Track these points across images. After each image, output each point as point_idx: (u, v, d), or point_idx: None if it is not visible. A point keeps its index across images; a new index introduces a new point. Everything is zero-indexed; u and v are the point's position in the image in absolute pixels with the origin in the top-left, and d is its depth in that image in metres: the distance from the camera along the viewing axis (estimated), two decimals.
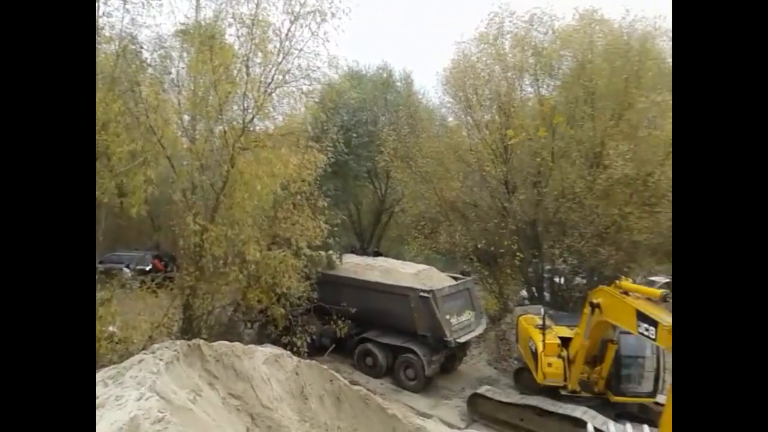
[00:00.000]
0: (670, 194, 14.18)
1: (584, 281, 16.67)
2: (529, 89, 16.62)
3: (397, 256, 19.55)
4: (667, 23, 15.34)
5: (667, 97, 13.72)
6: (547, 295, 17.14)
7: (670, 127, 14.10)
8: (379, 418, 7.99)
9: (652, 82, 14.58)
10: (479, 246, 15.98)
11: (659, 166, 14.18)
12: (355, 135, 17.37)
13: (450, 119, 20.15)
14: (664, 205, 14.22)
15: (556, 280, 17.30)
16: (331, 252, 14.42)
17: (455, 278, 14.55)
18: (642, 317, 7.72)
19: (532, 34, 16.09)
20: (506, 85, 16.04)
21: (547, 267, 17.05)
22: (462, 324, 13.41)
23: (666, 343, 7.06)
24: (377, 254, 20.81)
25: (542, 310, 12.21)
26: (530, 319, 12.80)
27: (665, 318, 7.23)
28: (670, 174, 14.16)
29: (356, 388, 8.35)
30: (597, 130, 14.80)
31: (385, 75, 23.28)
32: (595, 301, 9.77)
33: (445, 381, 13.80)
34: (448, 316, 12.99)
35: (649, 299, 9.02)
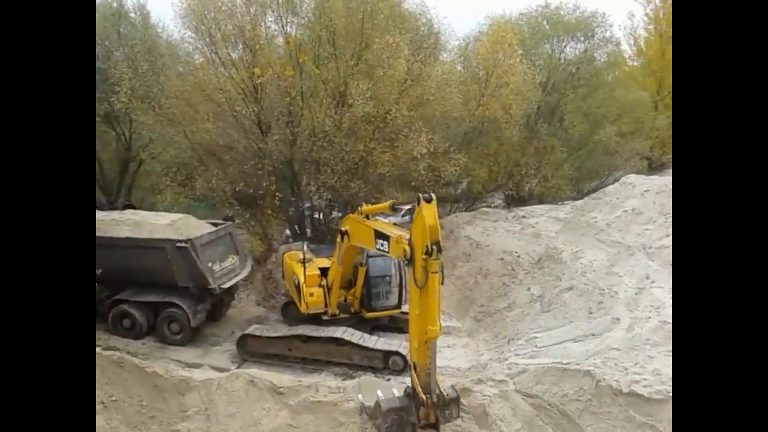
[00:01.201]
0: (406, 130, 15.91)
1: (340, 214, 17.92)
2: (274, 26, 16.36)
3: (152, 208, 18.00)
4: None
5: (398, 39, 15.02)
6: (309, 231, 17.96)
7: (401, 67, 15.59)
8: (138, 378, 7.57)
9: (385, 24, 15.71)
10: (238, 189, 15.68)
11: (395, 104, 15.62)
12: None
13: (197, 56, 18.75)
14: (401, 140, 15.88)
15: (316, 216, 18.21)
16: None
17: (215, 224, 14.12)
18: (378, 235, 8.68)
19: None
20: (250, 20, 15.49)
21: (307, 204, 17.75)
22: (226, 269, 13.23)
23: (395, 253, 8.03)
24: (128, 207, 18.80)
25: (303, 245, 12.79)
26: (294, 255, 13.31)
27: (395, 232, 8.27)
28: (404, 111, 15.80)
29: (108, 353, 7.71)
30: (340, 70, 15.49)
31: (115, 4, 20.29)
32: (343, 228, 10.63)
33: (214, 328, 13.65)
34: (210, 264, 12.65)
35: (387, 219, 10.23)
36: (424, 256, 6.83)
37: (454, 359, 11.90)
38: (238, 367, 11.45)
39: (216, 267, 12.86)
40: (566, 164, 22.20)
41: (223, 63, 15.92)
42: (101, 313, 12.73)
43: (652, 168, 27.57)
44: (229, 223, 14.32)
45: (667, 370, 8.28)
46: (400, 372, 11.17)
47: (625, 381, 8.16)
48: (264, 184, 15.30)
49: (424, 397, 7.34)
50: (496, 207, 20.82)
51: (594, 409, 8.12)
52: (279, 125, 16.36)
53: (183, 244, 12.09)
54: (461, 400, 8.00)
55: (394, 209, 9.14)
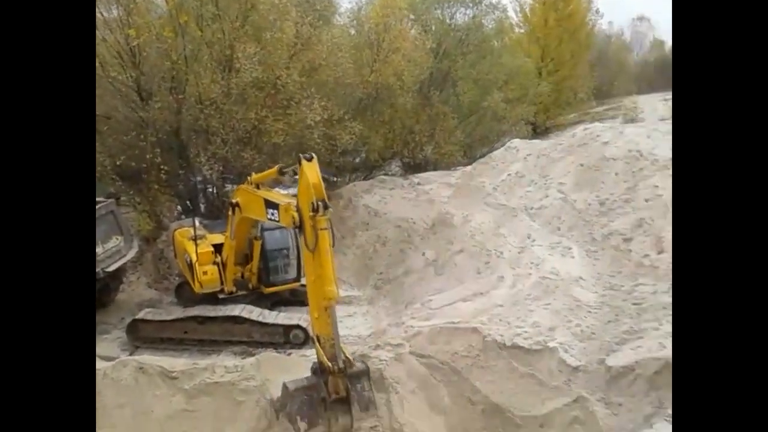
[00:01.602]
0: (298, 97, 15.54)
1: (234, 186, 17.38)
2: None
3: None
4: None
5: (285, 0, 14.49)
6: (202, 206, 17.19)
7: (290, 30, 15.10)
8: None
9: None
10: (119, 163, 14.53)
11: (285, 69, 15.15)
12: None
13: None
14: (294, 108, 15.50)
15: (210, 189, 17.44)
16: None
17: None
18: (268, 204, 8.49)
19: None
20: None
21: (199, 178, 16.92)
22: (109, 251, 12.35)
23: (285, 221, 7.86)
24: None
25: (194, 221, 12.23)
26: (185, 232, 12.68)
27: (284, 199, 8.12)
28: (295, 77, 15.39)
29: None
30: (225, 32, 14.68)
31: None
32: (234, 200, 10.30)
33: (103, 315, 12.77)
34: None
35: (288, 190, 10.04)
36: (311, 214, 6.81)
37: (355, 327, 12.18)
38: (130, 355, 10.90)
39: (98, 249, 11.96)
40: (458, 131, 22.97)
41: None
42: None
43: (537, 133, 29.41)
44: (110, 201, 13.29)
45: (545, 322, 9.11)
46: (301, 345, 11.24)
47: (508, 335, 8.85)
48: (147, 157, 14.28)
49: (330, 364, 7.13)
50: (393, 175, 21.18)
51: (482, 363, 8.74)
52: (162, 92, 15.28)
53: None
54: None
55: (282, 173, 8.84)
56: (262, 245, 11.75)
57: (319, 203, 6.70)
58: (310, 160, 6.96)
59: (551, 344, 8.34)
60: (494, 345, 8.78)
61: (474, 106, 23.73)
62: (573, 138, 15.93)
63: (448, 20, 25.03)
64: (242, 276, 11.97)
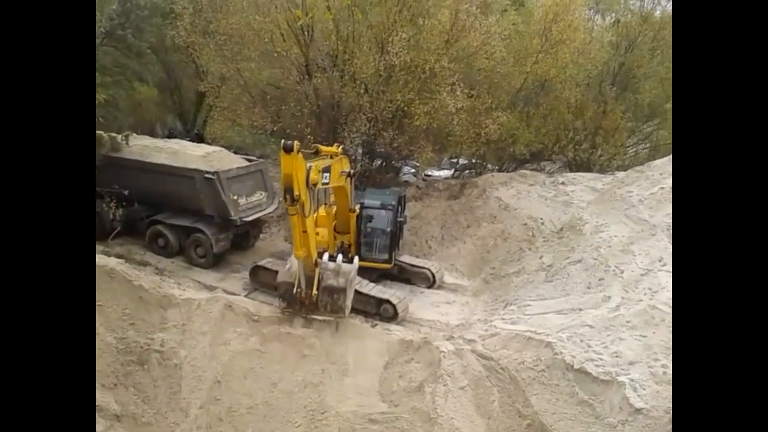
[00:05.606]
0: (444, 83, 15.59)
1: (380, 161, 18.42)
2: None
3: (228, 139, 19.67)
4: None
5: None
6: None
7: (444, 17, 15.14)
8: (125, 289, 8.59)
9: None
10: (275, 129, 16.34)
11: (436, 55, 15.29)
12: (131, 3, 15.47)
13: None
14: (439, 93, 15.59)
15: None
16: (114, 134, 13.87)
17: (249, 160, 15.00)
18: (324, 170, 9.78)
19: None
20: None
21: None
22: (251, 204, 14.10)
23: (336, 181, 10.36)
24: (198, 137, 20.68)
25: (316, 188, 13.16)
26: None
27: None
28: (444, 63, 15.45)
29: (103, 263, 8.76)
30: (385, 16, 15.31)
31: None
32: None
33: (240, 257, 14.70)
34: (235, 197, 13.56)
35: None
36: (281, 199, 8.34)
37: (448, 315, 12.14)
38: (248, 295, 12.41)
39: (241, 200, 13.75)
40: (631, 133, 20.63)
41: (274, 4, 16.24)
42: (140, 231, 14.26)
43: None
44: (261, 160, 15.09)
45: (629, 354, 8.08)
46: (389, 319, 11.60)
47: (580, 358, 8.07)
48: (299, 126, 15.79)
49: (297, 291, 9.28)
50: (540, 170, 20.01)
51: (544, 380, 8.15)
52: (325, 68, 16.62)
53: (210, 176, 13.02)
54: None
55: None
56: (357, 220, 12.29)
57: (286, 195, 7.86)
58: (286, 150, 7.58)
59: (621, 378, 7.39)
60: (562, 364, 8.09)
61: (657, 107, 21.04)
62: None
63: (645, 10, 22.31)
64: (345, 244, 12.69)
